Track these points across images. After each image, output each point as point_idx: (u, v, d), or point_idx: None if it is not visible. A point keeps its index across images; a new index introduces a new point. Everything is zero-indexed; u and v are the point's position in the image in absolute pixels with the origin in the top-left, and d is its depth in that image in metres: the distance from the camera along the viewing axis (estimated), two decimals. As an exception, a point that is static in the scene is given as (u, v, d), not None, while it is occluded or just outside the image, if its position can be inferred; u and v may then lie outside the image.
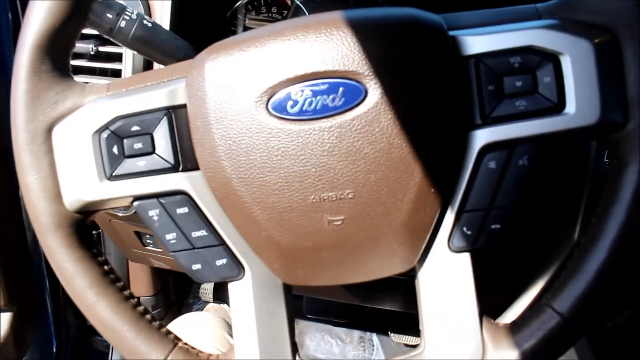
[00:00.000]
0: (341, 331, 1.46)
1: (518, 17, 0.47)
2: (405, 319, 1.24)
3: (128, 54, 0.79)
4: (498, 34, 0.45)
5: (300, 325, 1.47)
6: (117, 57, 0.80)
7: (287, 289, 0.51)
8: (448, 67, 0.44)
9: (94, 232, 1.19)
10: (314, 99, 0.44)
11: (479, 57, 0.45)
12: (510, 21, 0.46)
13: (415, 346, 1.37)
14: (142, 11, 0.79)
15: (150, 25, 0.63)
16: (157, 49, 0.64)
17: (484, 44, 0.45)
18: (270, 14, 0.93)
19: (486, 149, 0.45)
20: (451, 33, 0.45)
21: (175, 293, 1.43)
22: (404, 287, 0.50)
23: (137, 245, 1.06)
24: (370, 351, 1.44)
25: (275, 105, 0.44)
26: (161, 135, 0.47)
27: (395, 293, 1.02)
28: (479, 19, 0.48)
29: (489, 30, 0.45)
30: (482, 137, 0.45)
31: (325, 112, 0.44)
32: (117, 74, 0.81)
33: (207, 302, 1.46)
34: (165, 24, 0.78)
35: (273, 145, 0.44)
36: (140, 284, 1.28)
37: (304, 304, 1.34)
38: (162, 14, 0.79)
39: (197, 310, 1.48)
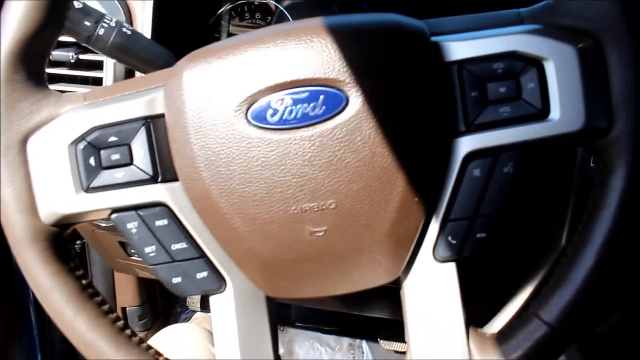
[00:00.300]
0: (330, 338, 1.45)
1: (501, 22, 0.46)
2: (394, 326, 1.23)
3: (109, 62, 0.78)
4: (481, 40, 0.44)
5: (289, 333, 1.46)
6: (98, 65, 0.79)
7: (270, 301, 0.49)
8: (431, 73, 0.44)
9: (78, 242, 1.18)
10: (294, 107, 0.43)
11: (462, 63, 0.44)
12: (493, 26, 0.45)
13: (405, 353, 1.37)
14: (124, 18, 0.78)
15: (129, 33, 0.62)
16: (136, 57, 0.63)
17: (466, 50, 0.44)
18: (253, 20, 0.92)
19: (470, 157, 0.44)
20: (434, 39, 0.45)
21: (163, 302, 1.41)
22: (392, 294, 0.49)
23: (122, 255, 1.04)
24: (360, 358, 1.43)
25: (255, 114, 0.43)
26: (139, 146, 0.46)
27: (383, 300, 1.01)
28: (462, 24, 0.47)
29: (471, 36, 0.45)
30: (466, 144, 0.44)
31: (305, 121, 0.43)
32: (98, 82, 0.79)
33: (195, 311, 1.44)
34: (147, 32, 0.77)
35: (253, 156, 0.43)
36: (127, 294, 1.27)
37: (292, 312, 1.33)
38: (144, 22, 0.78)
39: (184, 319, 1.46)
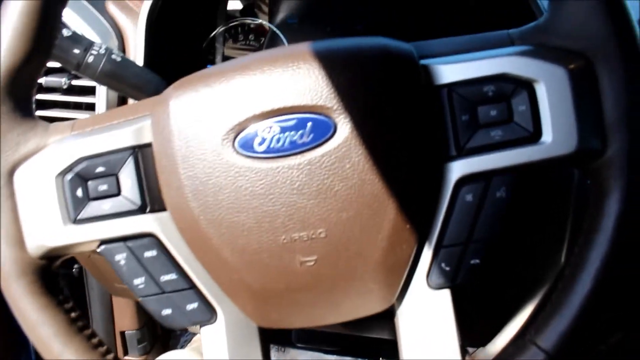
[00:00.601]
0: (332, 359, 1.43)
1: (490, 43, 0.46)
2: (396, 346, 1.21)
3: (102, 87, 0.77)
4: (470, 62, 0.44)
5: (291, 353, 1.44)
6: (91, 91, 0.78)
7: (262, 331, 0.49)
8: (420, 97, 0.43)
9: (75, 266, 1.17)
10: (281, 135, 0.42)
11: (452, 86, 0.43)
12: (483, 48, 0.45)
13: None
14: (116, 44, 0.78)
15: (119, 59, 0.61)
16: (127, 84, 0.63)
17: (456, 73, 0.43)
18: (247, 42, 0.92)
19: (462, 182, 0.43)
20: (423, 62, 0.44)
21: (162, 326, 1.40)
22: (393, 315, 0.48)
23: (119, 279, 1.03)
24: (363, 378, 1.41)
25: (242, 143, 0.42)
26: (127, 176, 0.45)
27: (384, 322, 1.00)
28: (451, 47, 0.47)
29: (461, 59, 0.44)
30: (457, 169, 0.43)
31: (293, 149, 0.42)
32: (91, 107, 0.79)
33: (195, 334, 1.43)
34: (140, 57, 0.77)
35: (241, 185, 0.43)
36: (125, 317, 1.25)
37: (294, 333, 1.32)
38: (136, 47, 0.78)
39: (185, 341, 1.45)
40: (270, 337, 0.50)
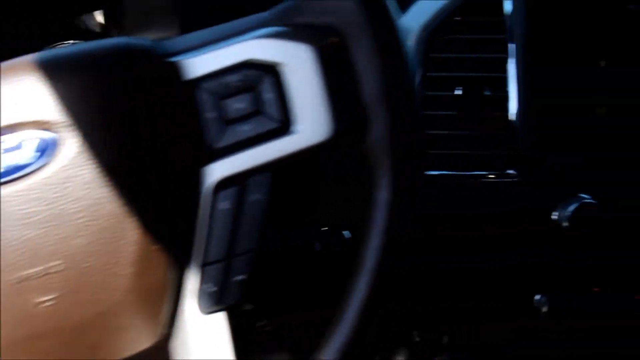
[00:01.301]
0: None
1: (246, 28, 0.41)
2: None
3: None
4: (216, 52, 0.39)
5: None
6: None
7: None
8: (161, 98, 0.38)
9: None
10: (2, 159, 0.36)
11: (198, 81, 0.38)
12: (237, 35, 0.40)
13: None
14: None
15: None
16: None
17: (201, 66, 0.39)
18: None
19: (219, 188, 0.39)
20: (172, 59, 0.39)
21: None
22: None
23: None
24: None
25: None
26: None
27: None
28: (209, 37, 0.42)
29: (208, 50, 0.39)
30: (212, 174, 0.38)
31: (15, 173, 0.36)
32: None
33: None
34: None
35: None
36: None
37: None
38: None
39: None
40: None
